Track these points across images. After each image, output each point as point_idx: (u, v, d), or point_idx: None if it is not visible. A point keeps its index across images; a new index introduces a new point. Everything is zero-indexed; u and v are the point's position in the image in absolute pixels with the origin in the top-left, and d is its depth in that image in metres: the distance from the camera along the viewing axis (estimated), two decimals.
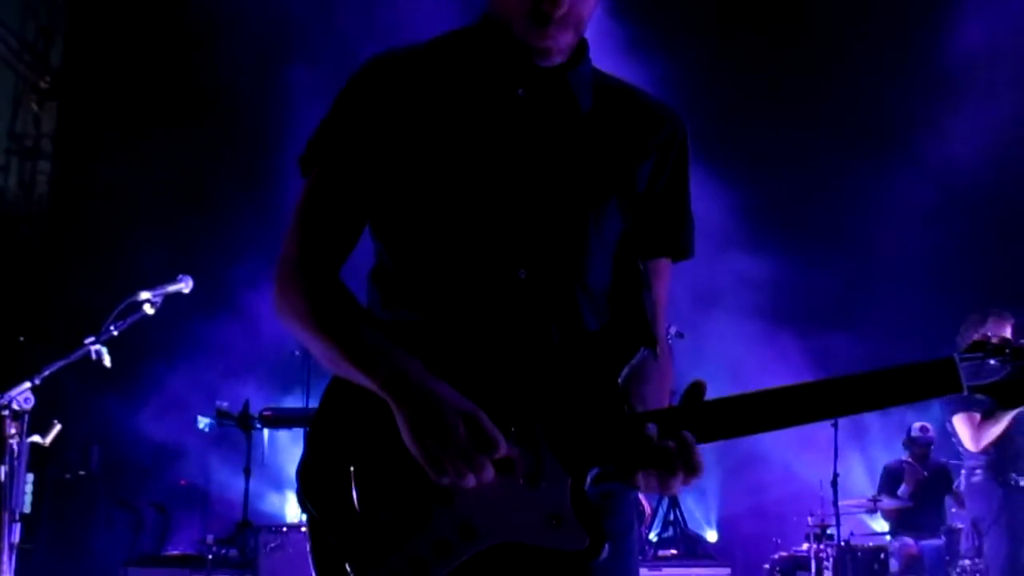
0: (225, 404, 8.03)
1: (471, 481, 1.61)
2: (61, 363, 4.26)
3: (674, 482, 1.62)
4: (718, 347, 8.00)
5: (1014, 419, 6.01)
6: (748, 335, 9.67)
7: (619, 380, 1.71)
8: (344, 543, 1.67)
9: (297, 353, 8.16)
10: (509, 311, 1.77)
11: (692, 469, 1.62)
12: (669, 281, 1.98)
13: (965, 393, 1.66)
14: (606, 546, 1.62)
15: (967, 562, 7.13)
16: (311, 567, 1.70)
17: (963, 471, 6.39)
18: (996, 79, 10.10)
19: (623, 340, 1.74)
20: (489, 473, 1.61)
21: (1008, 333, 5.96)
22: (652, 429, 1.62)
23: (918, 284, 9.64)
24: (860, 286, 10.24)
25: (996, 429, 5.97)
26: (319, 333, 1.78)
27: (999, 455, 6.04)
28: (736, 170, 9.06)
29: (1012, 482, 6.01)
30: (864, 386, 1.64)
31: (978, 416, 6.00)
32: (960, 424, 6.09)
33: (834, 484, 7.44)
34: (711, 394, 1.68)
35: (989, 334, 5.61)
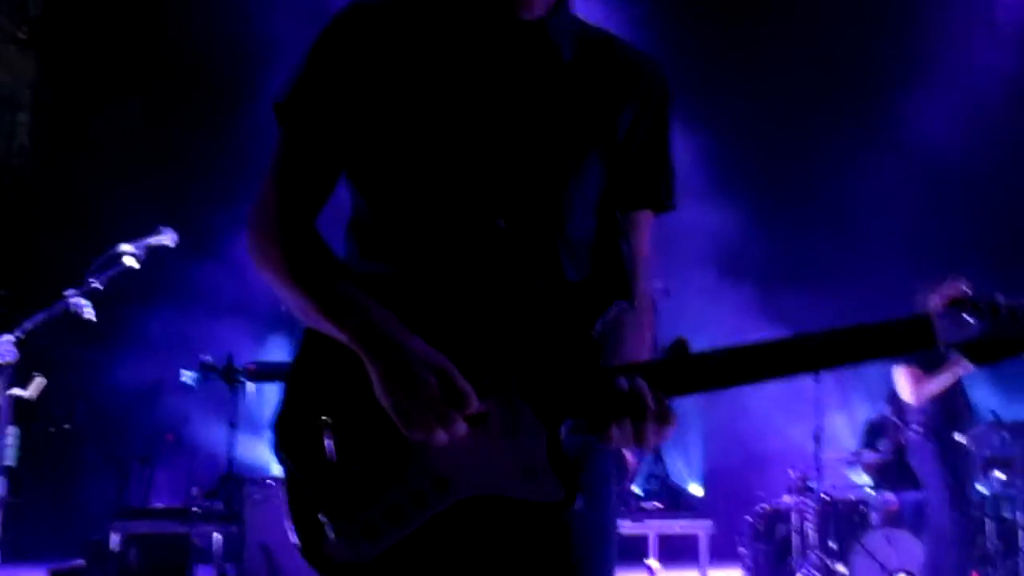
0: (209, 358, 8.02)
1: (442, 436, 1.62)
2: (42, 316, 4.26)
3: (648, 435, 1.63)
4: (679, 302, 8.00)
5: (956, 377, 6.08)
6: (708, 289, 9.73)
7: (594, 332, 1.71)
8: (319, 494, 1.68)
9: (283, 307, 8.16)
10: (488, 262, 1.77)
11: (664, 420, 1.63)
12: (651, 233, 1.98)
13: (941, 349, 1.67)
14: (580, 497, 1.63)
15: None
16: (286, 518, 1.71)
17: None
18: (971, 48, 10.20)
19: (601, 293, 1.75)
20: (461, 428, 1.62)
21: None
22: (623, 382, 1.63)
23: (887, 249, 9.73)
24: (826, 248, 10.34)
25: (934, 385, 6.04)
26: (292, 284, 1.78)
27: (936, 412, 6.11)
28: (711, 124, 9.06)
29: (945, 438, 6.07)
30: (840, 341, 1.65)
31: (919, 370, 6.07)
32: (900, 376, 6.17)
33: (817, 438, 7.50)
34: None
35: (945, 295, 5.64)
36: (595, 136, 1.86)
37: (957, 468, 6.04)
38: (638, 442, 1.64)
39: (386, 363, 1.64)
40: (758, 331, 8.96)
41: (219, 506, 7.69)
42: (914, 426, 6.22)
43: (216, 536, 7.60)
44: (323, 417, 1.70)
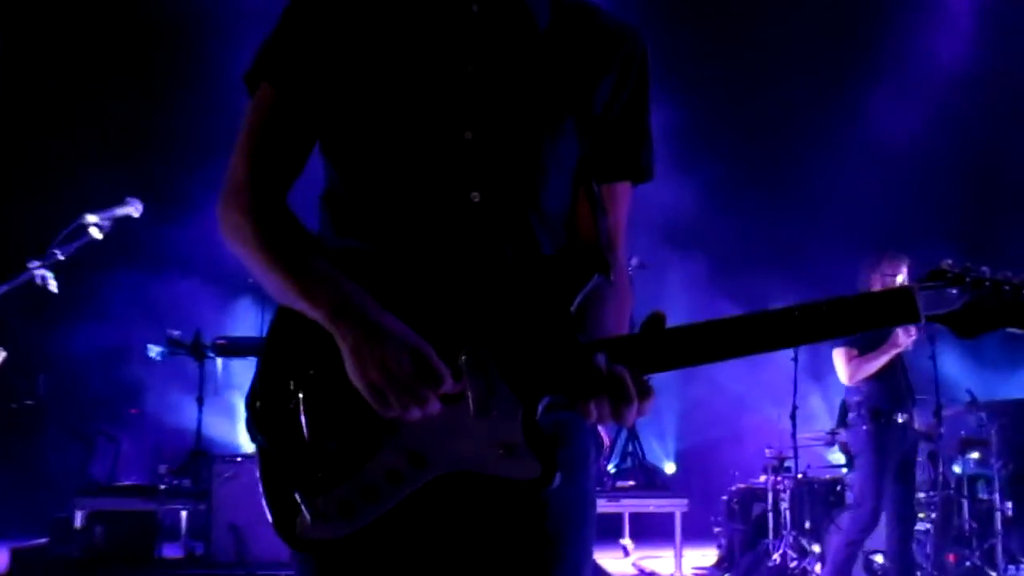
0: (177, 333, 7.99)
1: (416, 414, 1.62)
2: (4, 288, 4.21)
3: (627, 411, 1.63)
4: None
5: (900, 356, 6.16)
6: (663, 264, 9.81)
7: (572, 308, 1.71)
8: (293, 471, 1.68)
9: (251, 280, 8.12)
10: (462, 236, 1.76)
11: (643, 397, 1.63)
12: (629, 206, 1.98)
13: (922, 323, 1.67)
14: (558, 475, 1.64)
15: (922, 495, 7.31)
16: (260, 495, 1.71)
17: None
18: (929, 36, 10.43)
19: (578, 266, 1.75)
20: (435, 406, 1.62)
21: (904, 273, 6.10)
22: (601, 358, 1.63)
23: (847, 232, 9.87)
24: (787, 228, 10.48)
25: (869, 367, 6.12)
26: (263, 259, 1.77)
27: (873, 392, 6.18)
28: (679, 97, 9.10)
29: (883, 420, 6.14)
30: (822, 314, 1.64)
31: (855, 351, 6.15)
32: (837, 358, 6.25)
33: (793, 417, 7.57)
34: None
35: (885, 275, 5.70)
36: (571, 105, 1.84)
37: (889, 449, 6.11)
38: (616, 419, 1.64)
39: (358, 341, 1.63)
40: (713, 307, 9.08)
41: (187, 483, 7.68)
42: (852, 407, 6.30)
43: (183, 514, 7.60)
44: (298, 395, 1.70)
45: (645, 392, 1.63)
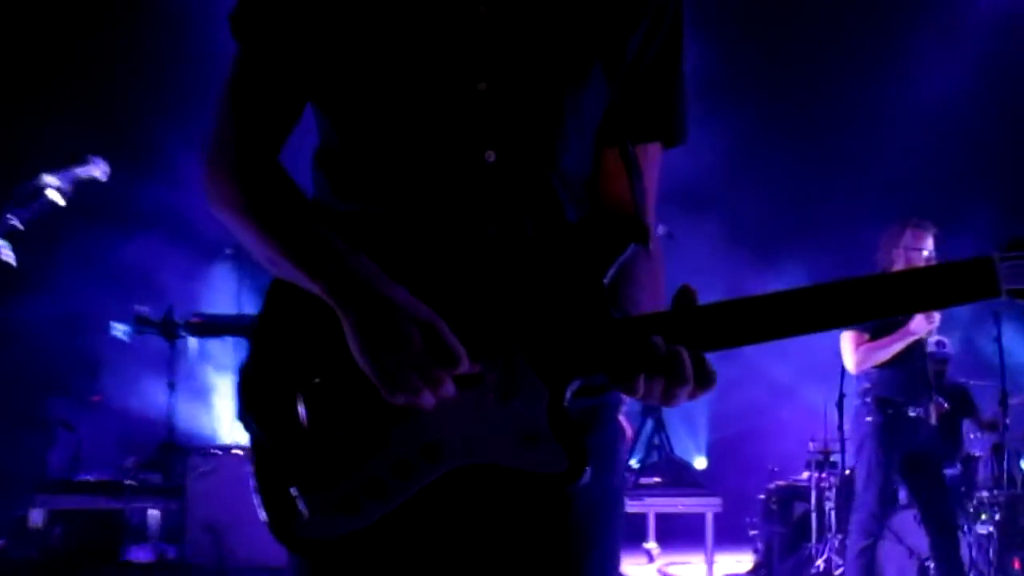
0: (145, 309, 8.01)
1: (429, 399, 1.62)
2: None
3: (681, 393, 1.64)
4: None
5: (919, 344, 6.16)
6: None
7: (605, 280, 1.72)
8: (291, 464, 1.69)
9: (228, 251, 8.13)
10: (476, 199, 1.76)
11: (705, 381, 1.64)
12: (659, 171, 1.97)
13: (1003, 297, 1.66)
14: (588, 469, 1.64)
15: (985, 493, 7.33)
16: (253, 491, 1.73)
17: None
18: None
19: (609, 234, 1.75)
20: (449, 389, 1.63)
21: (929, 244, 6.10)
22: (658, 339, 1.62)
23: (885, 197, 9.88)
24: (822, 191, 10.48)
25: (880, 354, 6.13)
26: (255, 227, 1.77)
27: (885, 380, 6.19)
28: (705, 34, 9.11)
29: (892, 412, 6.15)
30: (886, 288, 1.64)
31: (866, 336, 6.16)
32: (845, 342, 6.26)
33: (840, 405, 7.57)
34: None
35: (908, 249, 5.73)
36: (598, 54, 1.83)
37: (892, 444, 6.13)
38: (666, 400, 1.64)
39: (363, 317, 1.63)
40: (736, 281, 9.09)
41: (157, 479, 7.73)
42: (860, 396, 6.32)
43: (153, 513, 7.65)
44: (296, 378, 1.70)
45: (706, 375, 1.63)
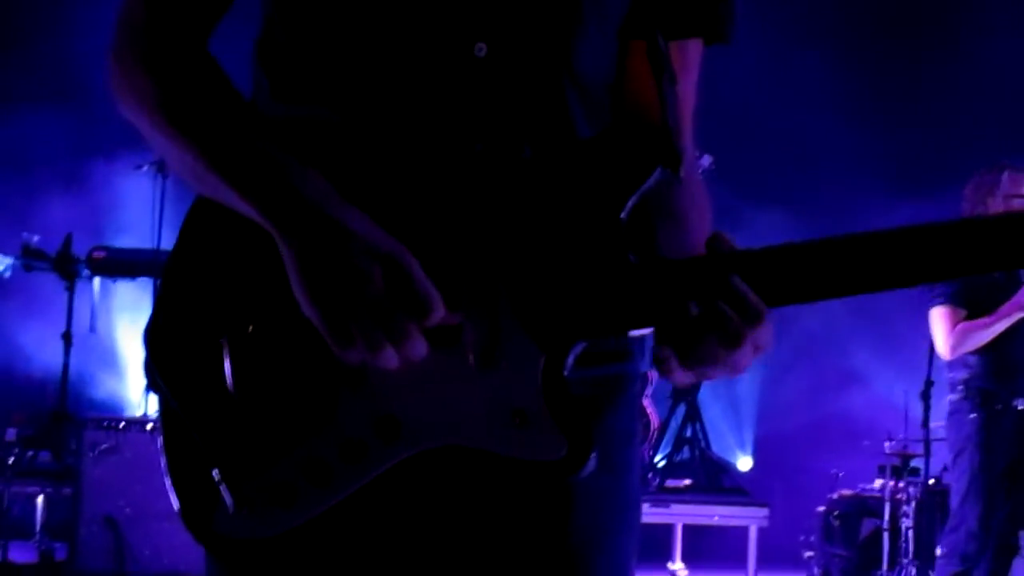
0: (36, 238, 8.02)
1: (391, 359, 1.61)
2: None
3: (734, 358, 1.64)
4: None
5: (1019, 324, 6.20)
6: None
7: (622, 214, 1.72)
8: (211, 439, 1.69)
9: (145, 167, 8.12)
10: (459, 106, 1.76)
11: (762, 340, 1.64)
12: (698, 76, 1.97)
13: None
14: (592, 457, 1.65)
15: None
16: (163, 473, 1.74)
17: None
18: None
19: (631, 154, 1.75)
20: (418, 347, 1.62)
21: None
22: (688, 288, 1.63)
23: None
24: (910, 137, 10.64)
25: (981, 335, 6.17)
26: (171, 129, 1.76)
27: (985, 369, 6.24)
28: None
29: (999, 405, 6.21)
30: (996, 231, 1.61)
31: (963, 313, 6.19)
32: (936, 321, 6.29)
33: (925, 396, 7.60)
34: None
35: (1008, 196, 5.77)
36: None
37: (997, 448, 6.19)
38: (717, 369, 1.65)
39: (310, 247, 1.62)
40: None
41: (45, 457, 7.77)
42: (958, 387, 6.36)
43: (39, 500, 7.70)
44: (220, 327, 1.71)
45: (763, 329, 1.63)
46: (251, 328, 1.71)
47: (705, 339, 1.63)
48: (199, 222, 1.79)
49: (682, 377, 1.68)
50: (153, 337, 1.76)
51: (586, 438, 1.65)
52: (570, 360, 1.67)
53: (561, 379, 1.66)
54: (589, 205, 1.72)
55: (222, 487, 1.68)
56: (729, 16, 1.97)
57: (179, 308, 1.75)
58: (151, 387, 1.76)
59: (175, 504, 1.72)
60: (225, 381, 1.69)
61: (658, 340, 1.66)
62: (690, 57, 1.96)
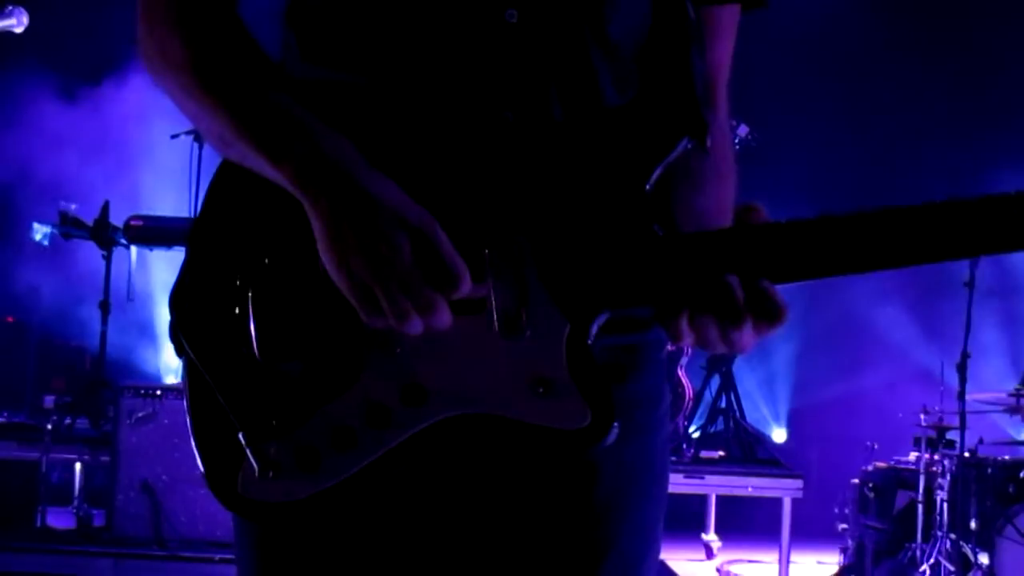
0: (74, 207, 8.04)
1: (416, 326, 1.62)
2: None
3: (739, 335, 1.64)
4: None
5: None
6: None
7: (648, 185, 1.71)
8: (236, 403, 1.70)
9: (182, 135, 8.13)
10: (488, 72, 1.76)
11: (772, 316, 1.64)
12: (733, 43, 1.96)
13: None
14: (615, 426, 1.65)
15: None
16: (189, 434, 1.75)
17: None
18: None
19: (659, 124, 1.74)
20: (444, 316, 1.63)
21: None
22: (710, 260, 1.63)
23: None
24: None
25: None
26: (201, 92, 1.76)
27: None
28: None
29: None
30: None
31: None
32: None
33: (962, 368, 7.54)
34: None
35: None
36: None
37: None
38: (724, 344, 1.65)
39: (338, 213, 1.63)
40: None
41: (83, 424, 7.81)
42: None
43: (77, 467, 7.74)
44: (247, 292, 1.71)
45: (776, 310, 1.63)
46: (277, 290, 1.71)
47: (707, 315, 1.64)
48: (225, 187, 1.80)
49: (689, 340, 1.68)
50: (179, 301, 1.77)
51: (609, 407, 1.65)
52: (594, 329, 1.68)
53: (585, 348, 1.67)
54: (616, 175, 1.72)
55: (248, 451, 1.69)
56: None
57: (205, 272, 1.76)
58: (177, 351, 1.77)
59: (200, 467, 1.73)
60: (251, 343, 1.70)
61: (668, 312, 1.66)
62: (725, 23, 1.95)
